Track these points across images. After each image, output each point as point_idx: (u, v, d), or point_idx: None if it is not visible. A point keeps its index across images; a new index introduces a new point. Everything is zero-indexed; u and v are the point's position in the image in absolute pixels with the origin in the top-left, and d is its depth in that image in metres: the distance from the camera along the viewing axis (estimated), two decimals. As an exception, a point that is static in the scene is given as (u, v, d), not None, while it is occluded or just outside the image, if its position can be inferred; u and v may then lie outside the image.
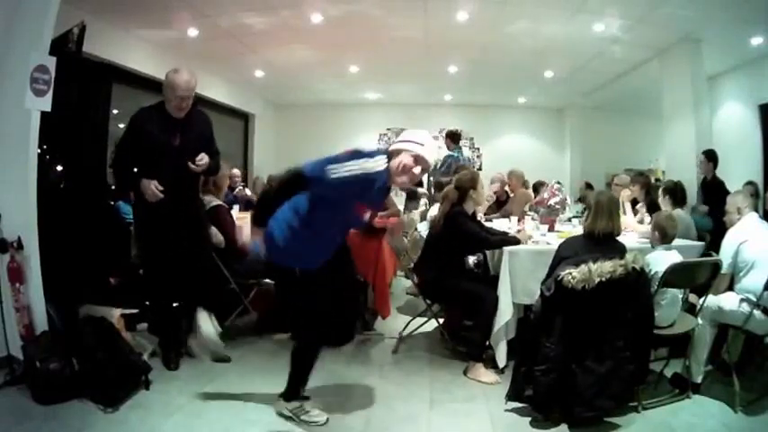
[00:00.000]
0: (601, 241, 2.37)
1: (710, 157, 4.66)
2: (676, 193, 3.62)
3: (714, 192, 4.51)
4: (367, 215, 2.20)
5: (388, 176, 2.05)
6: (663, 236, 2.65)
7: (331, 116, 9.43)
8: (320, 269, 2.16)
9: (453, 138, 5.43)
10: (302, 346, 2.28)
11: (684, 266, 2.48)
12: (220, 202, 3.40)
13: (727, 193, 4.25)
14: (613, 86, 7.32)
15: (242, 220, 3.91)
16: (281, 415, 2.29)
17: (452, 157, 5.28)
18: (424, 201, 5.52)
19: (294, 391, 2.28)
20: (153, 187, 2.59)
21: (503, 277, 2.83)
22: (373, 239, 3.52)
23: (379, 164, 1.99)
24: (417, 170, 2.05)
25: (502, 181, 5.57)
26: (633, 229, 3.43)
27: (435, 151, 2.15)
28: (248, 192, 6.09)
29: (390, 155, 2.06)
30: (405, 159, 2.03)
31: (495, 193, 5.50)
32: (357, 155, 1.98)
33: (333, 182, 1.91)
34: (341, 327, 2.43)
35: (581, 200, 5.86)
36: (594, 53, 5.85)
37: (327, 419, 2.27)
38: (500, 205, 5.28)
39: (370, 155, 2.01)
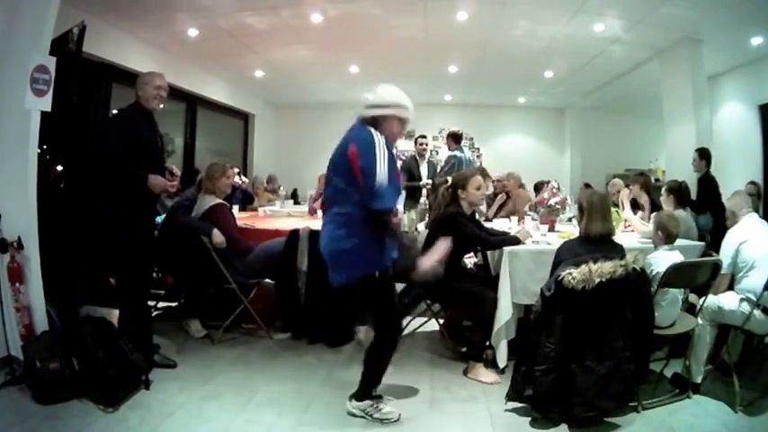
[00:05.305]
0: (598, 242, 2.36)
1: (703, 154, 4.69)
2: (682, 194, 3.61)
3: (706, 189, 4.54)
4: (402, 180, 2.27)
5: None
6: (667, 235, 2.63)
7: (331, 116, 9.36)
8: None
9: (456, 138, 5.44)
10: (382, 346, 2.27)
11: (685, 266, 2.47)
12: (220, 201, 3.39)
13: (718, 189, 4.38)
14: (613, 86, 7.32)
15: (242, 220, 3.92)
16: (351, 414, 2.32)
17: (455, 158, 5.28)
18: (423, 200, 5.52)
19: (367, 391, 2.31)
20: (162, 179, 2.73)
21: (503, 277, 2.83)
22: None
23: (378, 137, 2.09)
24: (404, 130, 2.26)
25: (503, 182, 5.58)
26: (636, 228, 3.42)
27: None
28: (246, 179, 6.10)
29: (375, 121, 2.15)
30: (395, 128, 2.18)
31: (495, 191, 5.51)
32: (367, 146, 2.05)
33: (385, 180, 2.02)
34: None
35: (580, 200, 5.86)
36: (594, 53, 5.84)
37: (400, 416, 2.29)
38: (500, 206, 5.28)
39: (368, 135, 2.08)
